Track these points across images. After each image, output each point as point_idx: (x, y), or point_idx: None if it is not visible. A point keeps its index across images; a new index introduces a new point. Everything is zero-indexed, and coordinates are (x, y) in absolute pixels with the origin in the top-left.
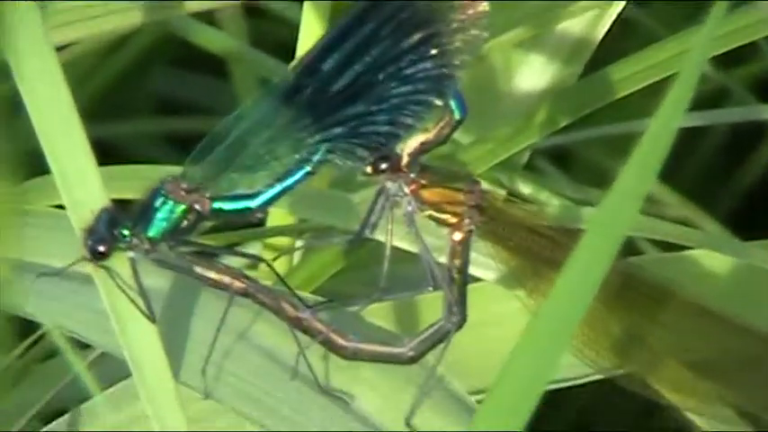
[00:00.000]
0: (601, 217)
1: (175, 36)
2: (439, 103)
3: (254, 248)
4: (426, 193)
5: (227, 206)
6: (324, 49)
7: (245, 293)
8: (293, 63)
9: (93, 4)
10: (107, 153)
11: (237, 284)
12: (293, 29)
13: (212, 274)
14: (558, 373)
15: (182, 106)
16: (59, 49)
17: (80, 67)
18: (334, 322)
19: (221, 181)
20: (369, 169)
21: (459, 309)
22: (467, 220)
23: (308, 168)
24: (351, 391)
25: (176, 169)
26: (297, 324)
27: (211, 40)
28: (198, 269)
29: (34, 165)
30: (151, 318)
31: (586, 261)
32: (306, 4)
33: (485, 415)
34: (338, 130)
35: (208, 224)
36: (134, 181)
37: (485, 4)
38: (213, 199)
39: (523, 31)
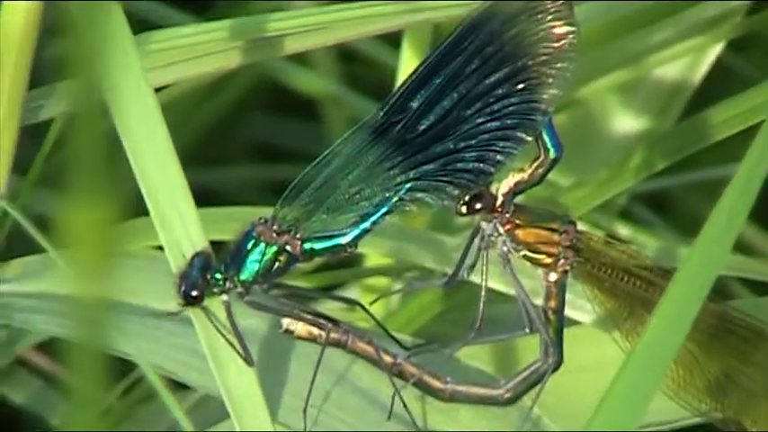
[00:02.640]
0: (692, 258)
1: (270, 81)
2: (528, 138)
3: (351, 290)
4: (521, 233)
5: (318, 245)
6: (412, 86)
7: (336, 344)
8: (382, 102)
9: (192, 44)
10: (203, 198)
11: (333, 336)
12: (386, 71)
13: (302, 326)
14: (654, 417)
15: (277, 151)
16: (156, 90)
17: (176, 111)
18: (431, 364)
19: (312, 222)
20: (463, 209)
21: (555, 350)
22: (561, 261)
23: (397, 204)
24: None
25: (269, 210)
26: (391, 370)
27: (306, 82)
28: (290, 315)
29: (132, 206)
30: (249, 361)
31: (678, 302)
32: (405, 46)
33: None
34: (427, 167)
35: (305, 266)
36: (229, 223)
37: (571, 36)
38: (304, 240)
39: (621, 74)
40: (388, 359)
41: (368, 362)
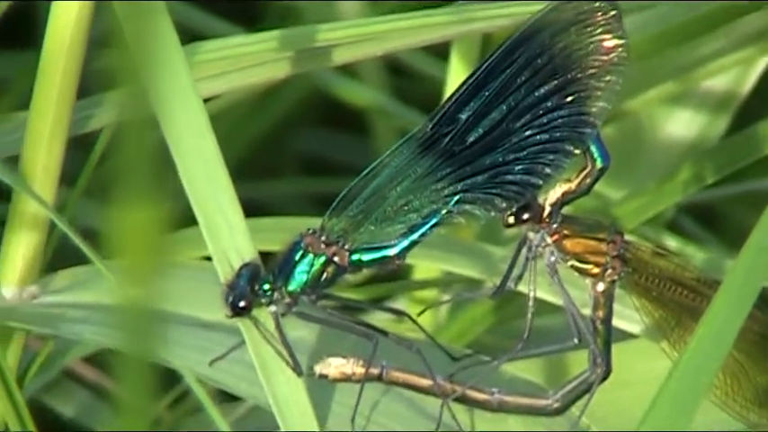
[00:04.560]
0: (738, 268)
1: (319, 93)
2: (577, 151)
3: (399, 302)
4: (569, 244)
5: (366, 257)
6: (460, 98)
7: (373, 379)
8: (431, 114)
9: (241, 54)
10: (251, 211)
11: (371, 371)
12: (434, 83)
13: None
14: (702, 428)
15: (325, 163)
16: (205, 101)
17: (225, 122)
18: (479, 376)
19: (360, 233)
20: (511, 220)
21: (603, 360)
22: (609, 270)
23: (446, 215)
24: None
25: (317, 221)
26: (433, 391)
27: (355, 94)
28: (338, 326)
29: (181, 216)
30: (298, 371)
31: (723, 312)
32: (453, 57)
33: None
34: (475, 179)
35: (353, 278)
36: (277, 233)
37: (620, 49)
38: (352, 251)
39: (669, 86)
40: (425, 383)
41: (406, 388)
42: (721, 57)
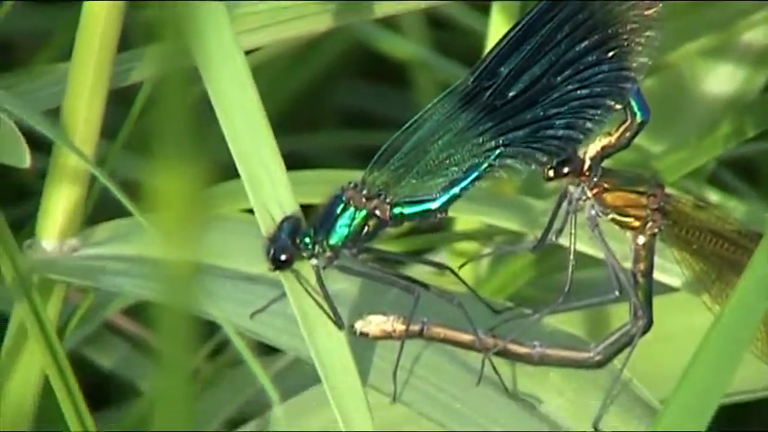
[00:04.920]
0: None
1: (360, 47)
2: (617, 106)
3: (440, 254)
4: (609, 197)
5: (407, 210)
6: (501, 52)
7: (414, 335)
8: (472, 68)
9: (281, 6)
10: (292, 164)
11: (412, 328)
12: (475, 37)
13: (375, 325)
14: (742, 386)
15: (366, 117)
16: (246, 53)
17: (266, 76)
18: (520, 329)
19: (401, 187)
20: (551, 173)
21: (645, 313)
22: (650, 223)
23: (487, 169)
24: (538, 396)
25: (358, 174)
26: (475, 346)
27: (396, 48)
28: (380, 279)
29: (223, 169)
30: (339, 324)
31: (765, 263)
32: (494, 10)
33: (666, 418)
34: (516, 134)
35: (394, 230)
36: (319, 185)
37: (659, 5)
38: (393, 205)
39: (709, 39)
40: (466, 337)
41: (447, 344)
42: (762, 9)
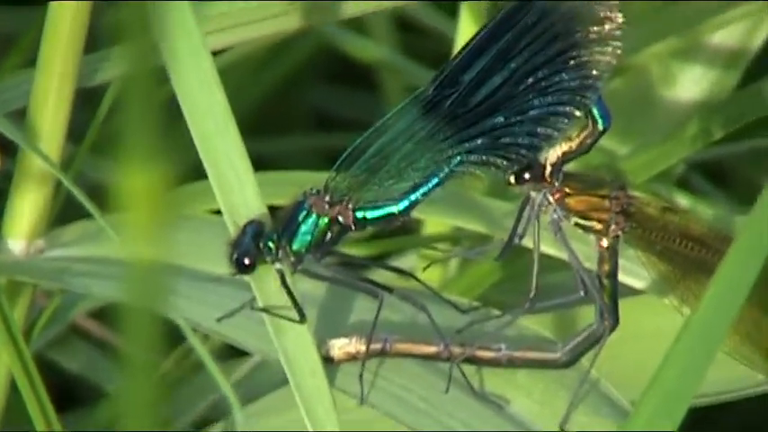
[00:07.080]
0: (752, 221)
1: (328, 49)
2: (578, 114)
3: (409, 256)
4: (571, 202)
5: (370, 214)
6: (463, 61)
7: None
8: (433, 76)
9: (250, 7)
10: (260, 166)
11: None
12: (443, 40)
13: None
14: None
15: (333, 119)
16: (214, 54)
17: (233, 77)
18: (488, 331)
19: (364, 191)
20: (512, 179)
21: (610, 314)
22: (613, 226)
23: (447, 175)
24: (506, 396)
25: (326, 175)
26: (442, 356)
27: (364, 50)
28: (343, 284)
29: (190, 170)
30: (301, 316)
31: (737, 267)
32: (462, 12)
33: (637, 418)
34: (477, 141)
35: (363, 233)
36: (287, 187)
37: (621, 15)
38: (356, 209)
39: (679, 40)
40: (432, 349)
41: (413, 358)
42: (731, 8)
